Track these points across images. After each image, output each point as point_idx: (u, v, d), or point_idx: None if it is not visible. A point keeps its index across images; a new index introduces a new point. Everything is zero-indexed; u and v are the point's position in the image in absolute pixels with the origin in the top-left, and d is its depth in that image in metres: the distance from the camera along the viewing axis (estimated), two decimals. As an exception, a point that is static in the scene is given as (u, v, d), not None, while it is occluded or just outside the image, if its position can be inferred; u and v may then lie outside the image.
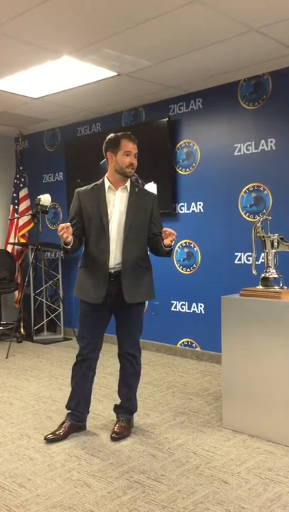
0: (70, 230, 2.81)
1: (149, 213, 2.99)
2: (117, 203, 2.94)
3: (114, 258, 2.91)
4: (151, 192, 3.16)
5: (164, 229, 2.89)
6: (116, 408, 3.16)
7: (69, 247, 2.86)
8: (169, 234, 2.86)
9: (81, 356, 3.04)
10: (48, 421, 3.30)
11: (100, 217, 2.91)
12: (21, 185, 6.25)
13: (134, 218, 2.93)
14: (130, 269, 2.93)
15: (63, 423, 3.08)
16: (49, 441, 2.99)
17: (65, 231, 2.76)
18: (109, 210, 2.92)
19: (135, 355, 3.09)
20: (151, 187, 5.03)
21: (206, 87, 4.63)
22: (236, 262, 4.53)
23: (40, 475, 2.58)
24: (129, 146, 2.94)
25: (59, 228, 2.77)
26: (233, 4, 2.97)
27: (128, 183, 2.99)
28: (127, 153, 2.92)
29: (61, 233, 2.76)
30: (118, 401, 3.15)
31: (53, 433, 3.03)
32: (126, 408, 3.12)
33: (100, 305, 2.96)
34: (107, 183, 2.97)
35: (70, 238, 2.83)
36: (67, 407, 3.09)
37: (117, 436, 2.99)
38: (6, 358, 5.08)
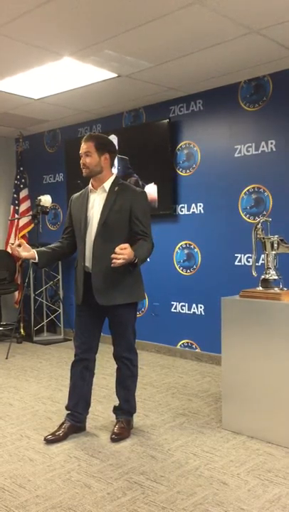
0: (21, 247, 2.94)
1: (128, 211, 2.86)
2: (96, 204, 2.94)
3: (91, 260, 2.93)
4: (135, 189, 2.99)
5: (118, 248, 2.64)
6: (115, 409, 3.16)
7: (36, 261, 2.97)
8: (118, 254, 2.63)
9: (76, 356, 3.07)
10: (48, 422, 3.30)
11: (80, 220, 2.97)
12: (22, 186, 6.25)
13: (108, 218, 2.86)
14: (104, 270, 2.84)
15: (62, 424, 3.08)
16: (49, 442, 2.99)
17: (14, 250, 2.95)
18: (89, 213, 2.94)
19: (130, 358, 3.06)
20: (151, 188, 5.04)
21: (207, 88, 4.64)
22: (236, 263, 4.53)
23: (39, 476, 2.58)
24: (81, 148, 2.93)
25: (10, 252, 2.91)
26: (233, 6, 2.97)
27: (107, 183, 2.93)
28: (80, 155, 2.93)
29: (13, 253, 2.97)
30: (117, 402, 3.15)
31: (53, 434, 3.03)
32: (124, 410, 3.12)
33: (86, 306, 2.99)
34: (89, 186, 3.01)
35: (29, 254, 2.95)
36: (67, 407, 3.10)
37: (117, 438, 2.99)
38: (6, 358, 5.08)
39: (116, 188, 2.92)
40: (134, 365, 3.09)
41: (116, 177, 2.99)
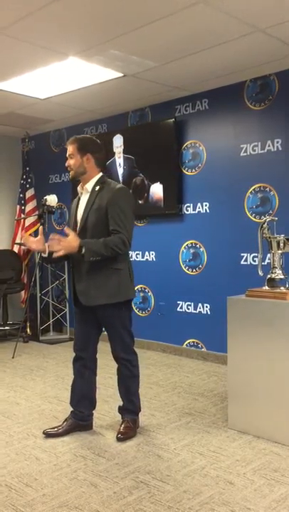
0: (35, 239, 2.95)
1: (105, 209, 2.84)
2: (81, 205, 2.97)
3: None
4: (114, 186, 2.92)
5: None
6: (120, 409, 3.16)
7: (46, 254, 2.93)
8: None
9: (74, 354, 3.12)
10: (54, 421, 3.31)
11: (71, 222, 3.03)
12: (28, 185, 6.27)
13: (88, 218, 2.88)
14: (85, 271, 2.87)
15: (66, 420, 3.13)
16: (47, 435, 3.04)
17: (27, 240, 2.97)
18: (78, 215, 2.98)
19: (128, 359, 3.03)
20: (157, 188, 5.05)
21: (212, 87, 4.63)
22: (242, 262, 4.52)
23: (46, 475, 2.59)
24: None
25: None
26: (238, 5, 2.97)
27: (89, 184, 2.95)
28: (66, 158, 2.97)
29: (26, 243, 2.98)
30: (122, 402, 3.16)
31: (53, 428, 3.09)
32: (129, 409, 3.11)
33: (79, 307, 3.02)
34: (79, 188, 3.03)
35: (41, 247, 2.93)
36: (70, 404, 3.13)
37: (123, 437, 3.00)
38: (13, 357, 5.10)
39: (97, 188, 2.92)
40: (134, 366, 3.07)
41: (100, 177, 2.97)
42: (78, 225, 2.95)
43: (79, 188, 3.02)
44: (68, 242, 2.74)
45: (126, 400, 3.10)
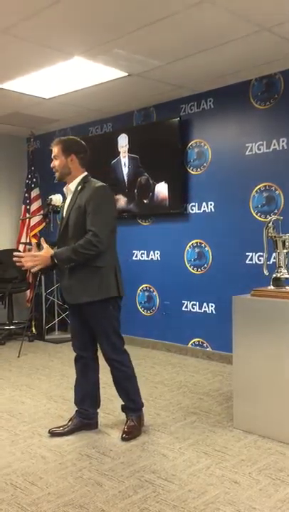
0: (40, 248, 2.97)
1: (83, 209, 2.86)
2: (66, 205, 3.02)
3: None
4: (94, 185, 2.92)
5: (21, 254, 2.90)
6: (123, 408, 3.15)
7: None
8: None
9: (75, 353, 3.14)
10: (60, 420, 3.32)
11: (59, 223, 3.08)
12: (33, 185, 6.28)
13: (70, 217, 2.91)
14: (68, 270, 2.89)
15: (71, 419, 3.13)
16: (52, 434, 3.05)
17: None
18: (64, 215, 3.01)
19: (118, 360, 3.00)
20: (162, 187, 5.04)
21: (217, 86, 4.62)
22: (247, 262, 4.51)
23: (51, 473, 2.60)
24: None
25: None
26: (244, 4, 2.96)
27: (72, 184, 2.98)
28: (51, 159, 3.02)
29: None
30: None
31: (58, 427, 3.10)
32: (131, 408, 3.10)
33: (69, 305, 3.05)
34: (64, 189, 3.06)
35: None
36: (74, 403, 3.15)
37: (128, 436, 3.00)
38: (18, 356, 5.11)
39: (79, 187, 2.94)
40: (127, 366, 3.04)
41: (83, 176, 2.99)
42: (61, 224, 3.00)
43: (65, 189, 3.05)
44: (41, 256, 2.84)
45: (126, 400, 3.10)
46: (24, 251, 6.17)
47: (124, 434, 3.02)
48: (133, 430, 3.04)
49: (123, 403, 3.14)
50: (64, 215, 3.00)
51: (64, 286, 2.99)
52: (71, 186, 2.98)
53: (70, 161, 2.96)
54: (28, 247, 6.15)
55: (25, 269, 3.00)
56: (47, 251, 2.85)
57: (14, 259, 2.90)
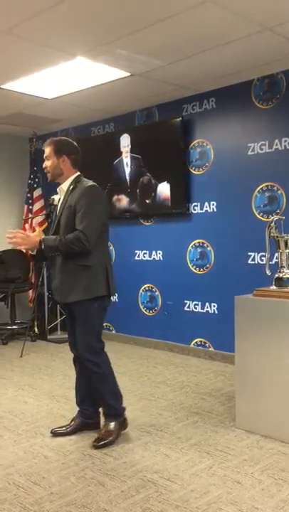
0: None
1: (74, 208, 2.86)
2: (59, 205, 3.03)
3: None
4: (85, 185, 2.92)
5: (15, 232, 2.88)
6: (103, 413, 3.05)
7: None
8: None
9: (73, 354, 3.12)
10: (62, 420, 3.32)
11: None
12: (35, 185, 6.29)
13: (61, 216, 2.92)
14: (59, 268, 2.91)
15: (73, 419, 3.13)
16: (55, 434, 3.05)
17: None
18: (58, 212, 3.02)
19: (93, 361, 2.91)
20: (164, 187, 5.05)
21: (220, 86, 4.62)
22: (250, 261, 4.51)
23: (54, 473, 2.60)
24: None
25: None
26: (245, 3, 2.96)
27: (64, 184, 2.98)
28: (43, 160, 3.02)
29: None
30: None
31: (61, 427, 3.09)
32: (109, 413, 2.98)
33: (61, 304, 3.04)
34: (58, 189, 3.06)
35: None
36: (76, 403, 3.15)
37: (98, 444, 2.87)
38: (21, 356, 5.12)
39: (71, 187, 2.95)
40: (101, 367, 2.94)
41: (76, 176, 2.99)
42: (53, 223, 3.02)
43: (58, 189, 3.06)
44: (30, 238, 2.85)
45: (103, 404, 3.00)
46: (26, 251, 6.18)
47: (95, 441, 2.90)
48: (106, 436, 2.91)
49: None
50: (57, 214, 3.01)
51: (54, 285, 2.99)
52: (63, 186, 2.99)
53: (62, 162, 2.96)
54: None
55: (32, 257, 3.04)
56: (38, 234, 2.88)
57: (7, 235, 2.87)
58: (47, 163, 2.98)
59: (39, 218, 6.16)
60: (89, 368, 2.94)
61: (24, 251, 6.09)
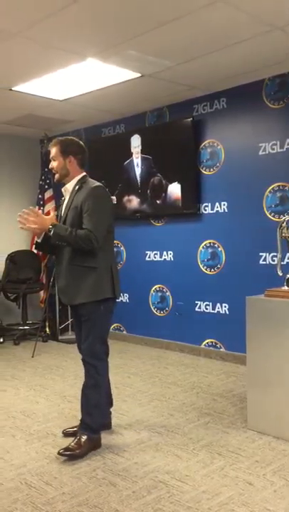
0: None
1: (80, 208, 2.82)
2: (63, 206, 3.00)
3: None
4: (91, 185, 2.89)
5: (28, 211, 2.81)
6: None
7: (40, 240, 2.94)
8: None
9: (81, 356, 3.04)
10: (74, 420, 3.33)
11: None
12: (46, 186, 6.31)
13: (67, 217, 2.89)
14: (65, 269, 2.86)
15: None
16: (66, 434, 3.04)
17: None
18: (62, 213, 2.98)
19: (93, 365, 2.85)
20: (175, 187, 5.04)
21: (230, 86, 4.61)
22: (261, 262, 4.49)
23: (65, 473, 2.61)
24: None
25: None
26: (256, 3, 2.95)
27: (70, 184, 2.95)
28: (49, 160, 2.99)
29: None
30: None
31: (72, 427, 3.07)
32: (85, 423, 2.86)
33: (70, 305, 3.00)
34: (62, 190, 3.04)
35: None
36: None
37: (65, 452, 2.76)
38: (32, 357, 5.14)
39: (77, 187, 2.92)
40: (100, 374, 2.88)
41: (82, 176, 2.96)
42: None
43: (63, 189, 3.03)
44: (43, 219, 2.80)
45: (84, 412, 2.87)
46: (38, 252, 6.20)
47: (63, 449, 2.79)
48: (76, 448, 2.78)
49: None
50: (62, 214, 2.98)
51: (60, 286, 2.95)
52: (69, 186, 2.95)
53: (69, 163, 2.92)
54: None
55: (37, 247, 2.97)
56: (51, 218, 2.85)
57: (19, 213, 2.81)
58: (53, 164, 2.95)
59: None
60: (90, 374, 2.86)
61: (35, 252, 6.13)
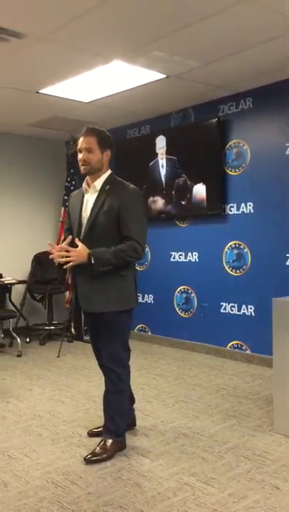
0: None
1: (116, 211, 2.63)
2: (88, 205, 2.76)
3: None
4: (126, 187, 2.74)
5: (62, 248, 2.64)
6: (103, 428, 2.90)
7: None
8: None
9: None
10: (99, 420, 3.34)
11: (74, 222, 2.82)
12: (72, 187, 6.36)
13: (96, 219, 2.68)
14: (89, 275, 2.66)
15: None
16: (91, 435, 3.05)
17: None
18: (83, 214, 2.77)
19: (115, 371, 2.77)
20: (200, 188, 5.02)
21: (256, 86, 4.57)
22: (288, 263, 4.43)
23: (91, 473, 2.62)
24: (79, 143, 2.72)
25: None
26: (283, 1, 2.91)
27: (98, 182, 2.74)
28: (79, 151, 2.72)
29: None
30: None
31: (97, 428, 3.07)
32: (108, 429, 2.82)
33: (84, 312, 2.89)
34: (84, 186, 2.83)
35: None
36: None
37: (91, 458, 2.73)
38: (58, 357, 5.19)
39: (107, 187, 2.72)
40: (122, 381, 2.80)
41: (110, 174, 2.78)
42: (84, 225, 2.75)
43: (84, 185, 2.81)
44: (78, 252, 2.61)
45: (107, 419, 2.82)
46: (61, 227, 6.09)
47: (90, 454, 2.76)
48: (101, 452, 2.75)
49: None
50: (85, 214, 2.75)
51: (82, 292, 2.77)
52: (96, 184, 2.74)
53: (106, 157, 2.73)
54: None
55: (59, 266, 2.74)
56: (84, 248, 2.62)
57: (51, 255, 2.69)
58: (88, 156, 2.68)
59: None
60: (112, 380, 2.79)
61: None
